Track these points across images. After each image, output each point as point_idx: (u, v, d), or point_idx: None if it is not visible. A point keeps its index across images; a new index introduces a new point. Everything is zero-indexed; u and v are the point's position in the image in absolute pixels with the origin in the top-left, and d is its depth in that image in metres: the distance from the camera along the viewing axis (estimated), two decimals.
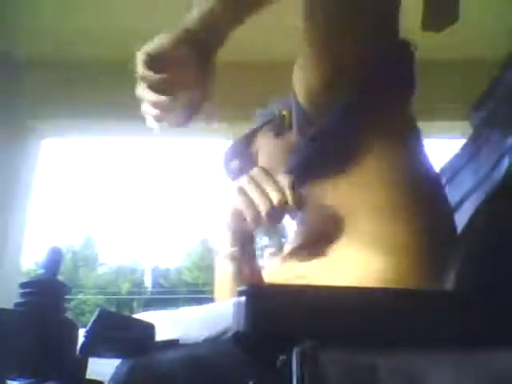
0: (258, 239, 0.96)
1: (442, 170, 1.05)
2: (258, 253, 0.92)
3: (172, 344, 0.63)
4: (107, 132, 2.36)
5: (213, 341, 0.66)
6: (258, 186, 0.79)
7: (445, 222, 0.82)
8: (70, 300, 0.65)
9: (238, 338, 0.50)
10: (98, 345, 0.57)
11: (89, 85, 2.10)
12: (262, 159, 0.99)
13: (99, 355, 0.59)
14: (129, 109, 2.03)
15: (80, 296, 10.82)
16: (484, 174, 0.89)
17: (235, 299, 0.51)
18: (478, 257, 0.80)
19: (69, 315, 0.60)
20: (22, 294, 0.58)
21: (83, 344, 0.56)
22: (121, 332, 0.58)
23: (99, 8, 1.94)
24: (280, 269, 0.88)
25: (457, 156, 1.05)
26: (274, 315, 0.50)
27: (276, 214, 0.78)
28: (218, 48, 0.79)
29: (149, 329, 0.61)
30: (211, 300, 0.94)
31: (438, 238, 0.78)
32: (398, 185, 0.79)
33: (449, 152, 1.09)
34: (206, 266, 11.73)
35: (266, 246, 1.25)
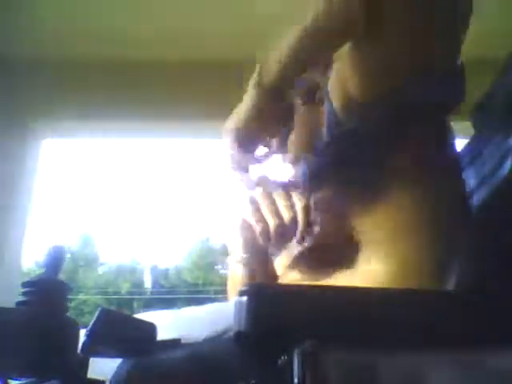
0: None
1: None
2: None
3: (173, 343, 0.63)
4: (107, 132, 2.36)
5: (214, 340, 0.66)
6: (272, 201, 0.78)
7: (458, 234, 0.80)
8: (70, 300, 0.65)
9: (239, 337, 0.50)
10: (100, 344, 0.57)
11: (89, 85, 2.10)
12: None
13: (100, 355, 0.59)
14: (129, 109, 2.05)
15: (80, 296, 10.81)
16: (486, 175, 0.89)
17: (237, 299, 0.51)
18: (479, 257, 0.80)
19: (69, 315, 0.60)
20: (24, 294, 0.58)
21: (84, 343, 0.56)
22: (122, 331, 0.58)
23: (99, 8, 1.95)
24: (288, 276, 0.87)
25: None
26: (275, 315, 0.50)
27: (285, 233, 0.76)
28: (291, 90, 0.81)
29: (150, 328, 0.61)
30: (211, 299, 0.94)
31: (448, 250, 0.77)
32: (415, 207, 0.76)
33: None
34: (205, 266, 11.71)
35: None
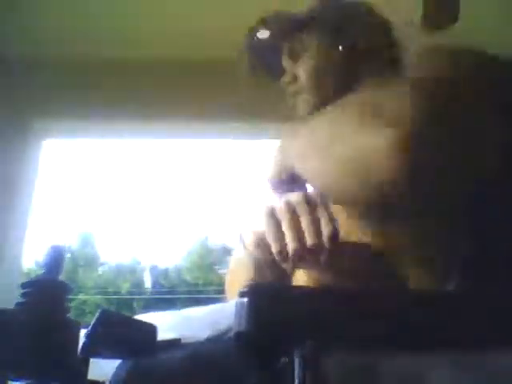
0: None
1: None
2: None
3: (174, 344, 0.63)
4: (107, 132, 2.36)
5: (214, 341, 0.66)
6: (294, 216, 0.69)
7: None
8: (70, 300, 0.65)
9: (240, 338, 0.50)
10: (100, 345, 0.57)
11: (90, 85, 2.10)
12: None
13: (100, 356, 0.59)
14: (129, 109, 2.05)
15: (80, 296, 10.80)
16: None
17: (237, 299, 0.51)
18: (480, 257, 0.80)
19: (69, 316, 0.60)
20: (23, 295, 0.58)
21: (84, 344, 0.56)
22: (122, 332, 0.58)
23: (99, 8, 1.95)
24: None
25: None
26: (276, 316, 0.50)
27: (305, 256, 0.68)
28: None
29: (150, 330, 0.61)
30: (211, 299, 0.94)
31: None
32: None
33: None
34: (205, 266, 11.71)
35: None
